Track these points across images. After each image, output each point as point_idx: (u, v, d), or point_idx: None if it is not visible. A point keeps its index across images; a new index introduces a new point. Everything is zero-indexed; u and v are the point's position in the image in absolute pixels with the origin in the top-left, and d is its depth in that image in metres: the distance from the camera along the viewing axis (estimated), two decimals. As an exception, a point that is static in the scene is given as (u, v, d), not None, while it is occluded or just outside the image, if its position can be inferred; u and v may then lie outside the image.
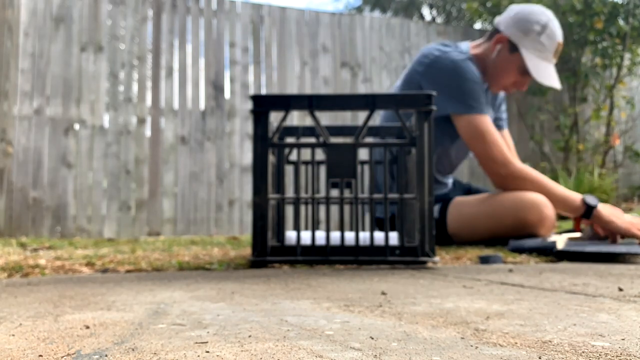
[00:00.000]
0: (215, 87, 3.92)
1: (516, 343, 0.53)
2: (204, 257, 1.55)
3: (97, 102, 3.67)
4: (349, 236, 1.40)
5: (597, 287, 0.95)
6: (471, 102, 1.82)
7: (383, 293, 0.89)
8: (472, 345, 0.52)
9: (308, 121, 3.72)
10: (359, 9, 10.50)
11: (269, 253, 1.34)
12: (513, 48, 1.87)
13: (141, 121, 3.76)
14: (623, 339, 0.54)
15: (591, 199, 1.77)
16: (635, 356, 0.48)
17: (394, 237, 1.43)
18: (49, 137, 3.54)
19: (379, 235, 1.40)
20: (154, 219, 3.72)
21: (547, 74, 1.88)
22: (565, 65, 4.54)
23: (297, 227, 1.37)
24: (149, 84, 3.80)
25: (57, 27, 3.63)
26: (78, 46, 3.66)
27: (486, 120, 1.83)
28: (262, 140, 1.36)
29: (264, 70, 4.06)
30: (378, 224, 1.92)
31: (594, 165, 4.30)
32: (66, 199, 3.54)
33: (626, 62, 4.54)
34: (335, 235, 1.39)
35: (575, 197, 1.80)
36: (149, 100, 3.78)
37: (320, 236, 1.39)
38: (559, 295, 0.85)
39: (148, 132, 3.78)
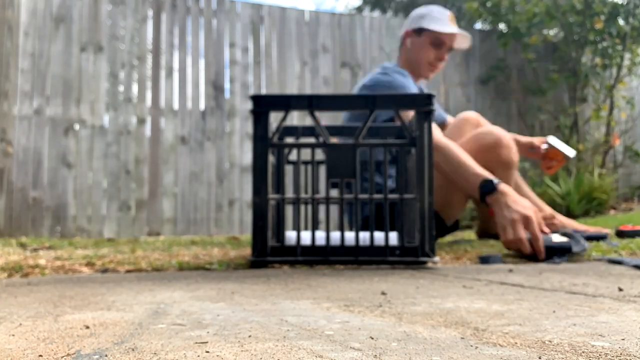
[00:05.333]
0: (215, 87, 3.92)
1: (516, 343, 0.53)
2: (204, 257, 1.55)
3: (97, 102, 3.67)
4: (349, 236, 1.40)
5: (597, 287, 0.95)
6: None
7: (383, 293, 0.89)
8: (472, 345, 0.52)
9: (308, 121, 3.72)
10: (359, 9, 10.49)
11: (269, 253, 1.34)
12: (419, 32, 2.16)
13: (141, 121, 3.76)
14: (623, 339, 0.54)
15: (491, 185, 1.57)
16: (635, 356, 0.48)
17: (393, 238, 1.43)
18: (49, 137, 3.54)
19: (379, 236, 1.40)
20: (154, 219, 3.72)
21: (448, 28, 2.11)
22: (565, 65, 4.54)
23: (297, 228, 1.37)
24: (149, 84, 3.80)
25: (57, 27, 3.63)
26: (78, 46, 3.66)
27: None
28: (261, 140, 1.36)
29: (264, 70, 4.06)
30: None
31: (594, 165, 4.29)
32: (66, 199, 3.54)
33: (626, 62, 4.54)
34: (335, 236, 1.39)
35: (479, 172, 1.63)
36: (149, 100, 3.78)
37: (320, 236, 1.38)
38: (559, 295, 0.85)
39: (148, 132, 3.77)
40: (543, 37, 4.66)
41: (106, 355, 0.50)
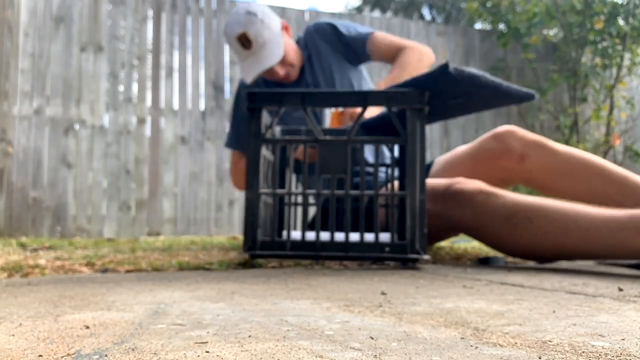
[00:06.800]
0: (215, 87, 3.92)
1: (516, 343, 0.53)
2: (204, 257, 1.55)
3: (97, 102, 3.67)
4: (339, 232, 1.40)
5: (597, 287, 0.95)
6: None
7: (383, 293, 0.89)
8: (472, 345, 0.52)
9: None
10: (359, 9, 10.50)
11: (259, 248, 1.34)
12: None
13: (141, 121, 3.76)
14: (623, 339, 0.54)
15: None
16: (635, 356, 0.48)
17: (385, 234, 1.42)
18: (49, 137, 3.54)
19: (369, 232, 1.39)
20: (154, 219, 3.72)
21: (246, 72, 1.86)
22: (565, 65, 4.54)
23: (288, 222, 1.37)
24: (149, 84, 3.80)
25: (57, 27, 3.63)
26: (78, 46, 3.66)
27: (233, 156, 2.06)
28: (255, 136, 1.36)
29: (264, 70, 4.06)
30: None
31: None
32: (66, 199, 3.54)
33: (626, 62, 4.54)
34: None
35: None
36: (149, 100, 3.78)
37: (311, 231, 1.39)
38: (559, 295, 0.85)
39: (148, 132, 3.77)
40: (543, 37, 4.66)
41: (106, 355, 0.50)
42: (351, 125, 1.37)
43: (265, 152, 1.42)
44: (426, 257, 1.30)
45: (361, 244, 1.33)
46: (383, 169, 1.77)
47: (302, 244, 1.35)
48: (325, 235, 1.38)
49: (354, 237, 1.38)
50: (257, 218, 1.34)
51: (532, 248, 1.33)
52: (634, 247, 1.19)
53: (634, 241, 1.18)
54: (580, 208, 1.27)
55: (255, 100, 1.37)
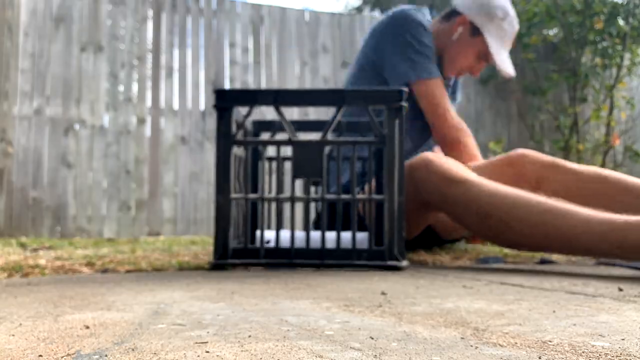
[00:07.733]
0: (215, 87, 3.92)
1: (516, 343, 0.53)
2: (204, 257, 1.55)
3: (97, 102, 3.67)
4: (315, 237, 1.34)
5: (597, 287, 0.95)
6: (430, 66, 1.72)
7: (383, 293, 0.89)
8: (472, 345, 0.52)
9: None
10: (359, 9, 10.50)
11: (230, 255, 1.29)
12: (475, 31, 1.78)
13: (141, 121, 3.76)
14: (623, 339, 0.54)
15: None
16: (635, 356, 0.48)
17: (362, 240, 1.35)
18: (49, 137, 3.54)
19: (346, 237, 1.34)
20: (154, 219, 3.72)
21: (506, 62, 1.80)
22: (565, 65, 4.54)
23: (261, 228, 1.33)
24: (149, 84, 3.80)
25: (57, 27, 3.63)
26: (78, 46, 3.66)
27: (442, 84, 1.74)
28: (225, 137, 1.30)
29: (264, 70, 4.06)
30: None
31: (594, 165, 4.29)
32: (66, 199, 3.54)
33: (626, 62, 4.54)
34: (300, 235, 1.33)
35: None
36: (149, 100, 3.78)
37: (285, 238, 1.33)
38: (559, 295, 0.85)
39: (148, 132, 3.77)
40: (543, 37, 4.66)
41: (106, 355, 0.50)
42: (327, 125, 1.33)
43: (237, 150, 1.36)
44: (404, 263, 1.27)
45: (338, 250, 1.28)
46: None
47: (276, 251, 1.30)
48: (301, 239, 1.32)
49: (331, 242, 1.32)
50: (229, 224, 1.29)
51: (512, 246, 1.36)
52: (615, 258, 1.21)
53: (615, 252, 1.18)
54: (561, 210, 1.24)
55: (226, 98, 1.31)
